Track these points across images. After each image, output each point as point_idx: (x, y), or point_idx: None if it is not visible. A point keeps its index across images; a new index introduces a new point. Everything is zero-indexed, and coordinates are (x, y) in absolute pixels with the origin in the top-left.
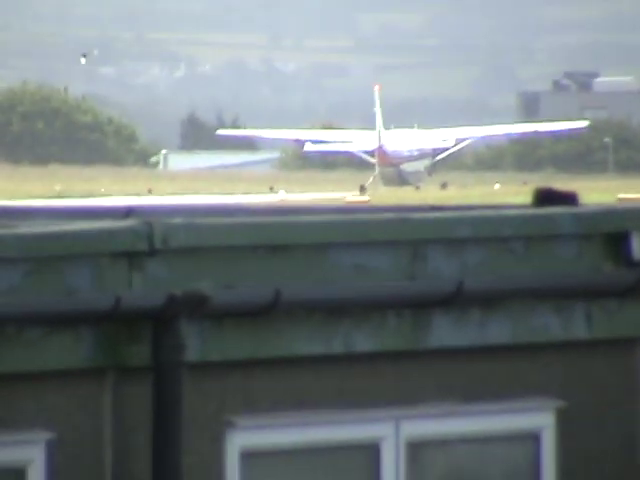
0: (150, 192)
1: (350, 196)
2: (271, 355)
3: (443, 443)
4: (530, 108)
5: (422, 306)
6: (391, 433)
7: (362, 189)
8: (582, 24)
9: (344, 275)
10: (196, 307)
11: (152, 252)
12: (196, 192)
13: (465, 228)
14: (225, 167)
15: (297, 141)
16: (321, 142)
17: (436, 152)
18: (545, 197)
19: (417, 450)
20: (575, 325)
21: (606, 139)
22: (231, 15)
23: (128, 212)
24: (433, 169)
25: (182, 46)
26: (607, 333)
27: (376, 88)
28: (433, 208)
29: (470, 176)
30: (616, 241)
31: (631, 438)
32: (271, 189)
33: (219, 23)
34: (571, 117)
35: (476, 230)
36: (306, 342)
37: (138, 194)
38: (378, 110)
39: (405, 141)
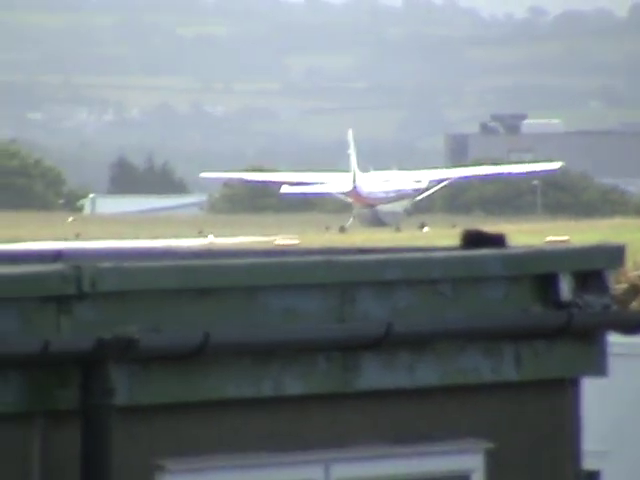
0: (78, 236)
1: (279, 239)
2: (200, 398)
3: None
4: (458, 151)
5: (351, 349)
6: (321, 476)
7: (342, 230)
8: (510, 67)
9: (273, 318)
10: (124, 351)
11: (81, 296)
12: (124, 236)
13: (394, 271)
14: (154, 211)
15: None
16: (299, 184)
17: (416, 193)
18: (473, 239)
19: None
20: (504, 367)
21: (534, 182)
22: (159, 59)
23: (56, 256)
24: (413, 210)
25: (110, 90)
26: (536, 375)
27: (350, 132)
28: (362, 250)
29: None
30: (544, 283)
31: None
32: (200, 233)
33: (147, 67)
34: (499, 160)
35: (405, 272)
36: (235, 385)
37: (66, 238)
38: (352, 152)
39: (380, 183)
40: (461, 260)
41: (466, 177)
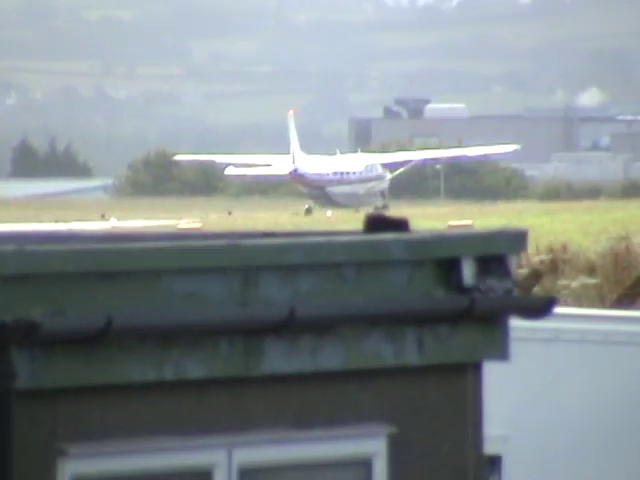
0: None
1: (183, 223)
2: (103, 382)
3: (276, 470)
4: (361, 135)
5: (254, 333)
6: (224, 460)
7: (308, 211)
8: (415, 51)
9: (176, 302)
10: (27, 334)
11: None
12: (27, 220)
13: (297, 254)
14: (57, 194)
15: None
16: (243, 165)
17: (375, 176)
18: (376, 223)
19: (250, 477)
20: (407, 351)
21: (437, 166)
22: (62, 42)
23: None
24: (385, 192)
25: (12, 73)
26: (438, 359)
27: (290, 112)
28: (265, 234)
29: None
30: (447, 267)
31: (463, 464)
32: (103, 216)
33: (49, 50)
34: (402, 144)
35: (308, 256)
36: (138, 369)
37: None
38: (293, 134)
39: (335, 165)
40: (364, 244)
41: (427, 161)
